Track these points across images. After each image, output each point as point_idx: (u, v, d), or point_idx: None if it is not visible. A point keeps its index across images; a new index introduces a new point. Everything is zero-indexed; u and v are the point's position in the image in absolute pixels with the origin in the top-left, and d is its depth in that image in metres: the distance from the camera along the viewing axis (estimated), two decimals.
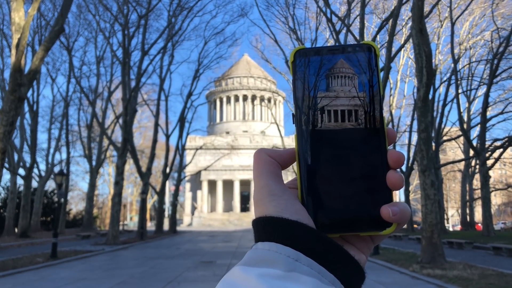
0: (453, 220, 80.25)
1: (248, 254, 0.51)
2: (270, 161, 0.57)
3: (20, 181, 40.66)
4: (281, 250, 0.49)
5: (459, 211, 58.03)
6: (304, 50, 0.57)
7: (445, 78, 42.58)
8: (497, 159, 33.70)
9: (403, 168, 41.51)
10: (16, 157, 37.46)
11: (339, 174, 0.54)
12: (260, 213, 0.54)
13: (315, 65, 0.56)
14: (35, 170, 40.51)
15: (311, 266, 0.48)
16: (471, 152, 40.21)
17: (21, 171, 37.63)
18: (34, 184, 42.42)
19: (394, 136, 0.56)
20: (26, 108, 37.96)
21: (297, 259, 0.48)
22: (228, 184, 73.24)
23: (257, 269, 0.48)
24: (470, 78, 42.03)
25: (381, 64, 44.16)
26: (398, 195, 75.06)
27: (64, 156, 48.64)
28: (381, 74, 24.72)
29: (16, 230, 36.60)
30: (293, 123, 0.56)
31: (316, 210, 0.54)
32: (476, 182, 48.40)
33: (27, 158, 39.91)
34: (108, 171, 70.00)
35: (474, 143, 36.10)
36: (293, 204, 0.54)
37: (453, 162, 43.48)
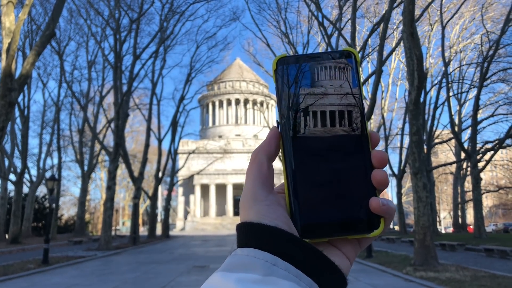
0: (445, 222, 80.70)
1: (227, 260, 0.52)
2: (262, 161, 0.58)
3: (11, 187, 40.31)
4: (259, 255, 0.50)
5: (451, 213, 58.31)
6: (286, 58, 0.59)
7: (436, 81, 42.95)
8: (488, 161, 33.96)
9: (395, 171, 41.72)
10: (6, 162, 37.14)
11: (324, 179, 0.55)
12: (242, 218, 0.55)
13: (296, 72, 0.58)
14: (26, 176, 40.17)
15: (288, 270, 0.49)
16: (463, 155, 40.43)
17: (12, 177, 37.31)
18: (25, 189, 42.06)
19: (377, 140, 0.57)
20: (17, 113, 37.67)
21: (274, 264, 0.49)
22: (221, 188, 73.12)
23: (235, 274, 0.48)
24: (460, 81, 42.42)
25: (372, 68, 44.46)
26: (390, 197, 75.22)
27: (55, 161, 48.48)
28: (372, 78, 24.66)
29: (6, 236, 36.24)
30: (279, 131, 0.58)
31: (304, 215, 0.54)
32: (468, 184, 48.75)
33: (18, 163, 39.56)
34: (100, 176, 69.58)
35: (465, 145, 36.37)
36: (275, 209, 0.54)
37: (445, 164, 43.73)
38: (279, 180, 0.59)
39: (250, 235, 0.53)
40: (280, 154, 0.59)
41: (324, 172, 0.55)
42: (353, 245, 0.57)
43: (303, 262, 0.51)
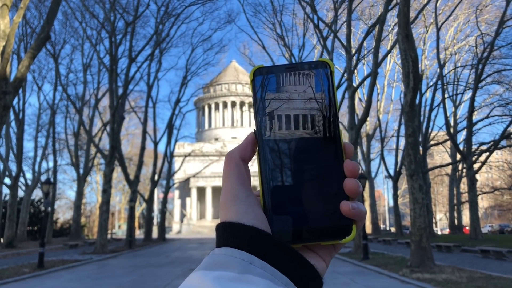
0: (441, 223, 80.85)
1: (206, 259, 0.53)
2: (240, 163, 0.59)
3: (6, 191, 40.12)
4: (236, 254, 0.51)
5: (447, 214, 58.45)
6: (263, 68, 0.60)
7: (431, 83, 43.13)
8: (483, 163, 34.09)
9: (391, 173, 41.78)
10: (1, 166, 36.96)
11: (298, 185, 0.56)
12: (222, 218, 0.56)
13: (272, 81, 0.59)
14: (21, 179, 40.00)
15: (264, 268, 0.50)
16: (458, 156, 40.59)
17: (7, 180, 37.15)
18: (21, 193, 41.88)
19: (351, 151, 0.58)
20: (12, 116, 37.52)
21: (251, 262, 0.50)
22: (217, 191, 72.98)
23: (213, 272, 0.50)
24: (455, 83, 42.59)
25: (368, 70, 44.52)
26: (387, 199, 75.30)
27: (51, 164, 48.10)
28: (368, 80, 24.69)
29: (1, 240, 36.03)
30: (256, 139, 0.59)
31: (277, 221, 0.56)
32: (463, 186, 48.86)
33: (13, 167, 39.35)
34: (95, 179, 69.34)
35: (461, 147, 36.49)
36: (254, 210, 0.56)
37: (441, 166, 43.89)
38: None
39: (228, 234, 0.54)
40: (256, 161, 0.60)
41: (297, 179, 0.57)
42: (328, 249, 0.58)
43: (279, 261, 0.51)
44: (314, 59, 0.59)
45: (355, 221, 0.55)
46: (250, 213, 0.55)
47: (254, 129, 0.60)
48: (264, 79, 0.60)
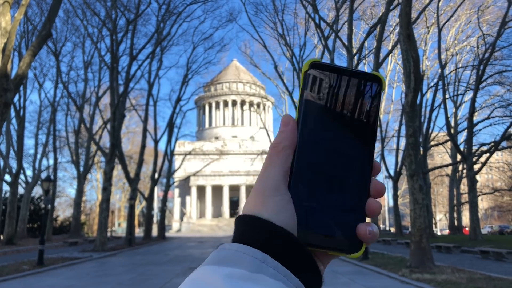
0: (441, 224, 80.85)
1: (214, 253, 0.52)
2: (290, 155, 0.56)
3: (6, 188, 40.13)
4: (248, 252, 0.49)
5: (447, 215, 58.45)
6: (319, 63, 0.59)
7: (432, 84, 43.09)
8: (484, 164, 34.02)
9: (392, 173, 41.78)
10: (2, 163, 36.97)
11: (323, 190, 0.56)
12: (251, 207, 0.54)
13: (325, 79, 0.58)
14: (22, 176, 39.99)
15: (277, 269, 0.49)
16: (459, 157, 40.56)
17: (7, 177, 37.12)
18: (21, 190, 41.90)
19: (379, 169, 0.58)
20: (13, 113, 37.53)
21: (264, 261, 0.49)
22: (217, 190, 73.01)
23: (224, 268, 0.48)
24: (456, 83, 42.53)
25: (369, 70, 44.49)
26: (387, 200, 75.30)
27: (51, 162, 48.03)
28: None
29: (1, 237, 36.05)
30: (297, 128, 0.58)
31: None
32: (464, 187, 48.83)
33: (13, 164, 39.37)
34: (96, 177, 69.28)
35: (461, 148, 36.46)
36: (292, 207, 0.54)
37: (441, 166, 43.84)
38: None
39: (250, 229, 0.52)
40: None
41: (325, 184, 0.56)
42: (328, 256, 0.57)
43: (294, 262, 0.50)
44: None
45: None
46: (290, 209, 0.53)
47: (297, 121, 0.58)
48: (318, 75, 0.58)
